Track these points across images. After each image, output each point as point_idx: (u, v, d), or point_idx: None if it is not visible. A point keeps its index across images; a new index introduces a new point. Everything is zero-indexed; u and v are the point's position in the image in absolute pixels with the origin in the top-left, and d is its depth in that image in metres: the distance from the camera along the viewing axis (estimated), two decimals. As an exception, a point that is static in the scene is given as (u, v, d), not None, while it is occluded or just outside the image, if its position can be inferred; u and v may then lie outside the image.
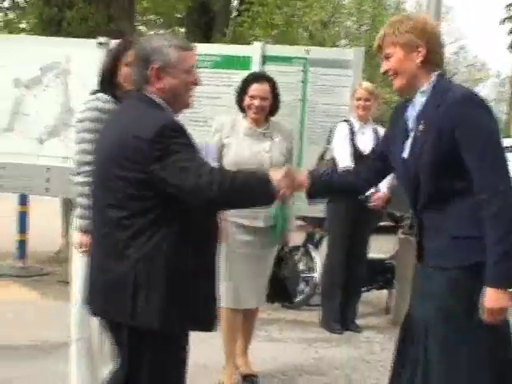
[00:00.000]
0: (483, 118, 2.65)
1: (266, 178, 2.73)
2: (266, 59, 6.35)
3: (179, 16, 13.52)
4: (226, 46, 7.38)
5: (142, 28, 14.84)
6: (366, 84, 6.14)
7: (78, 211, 3.72)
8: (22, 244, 7.63)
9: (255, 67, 6.32)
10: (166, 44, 2.75)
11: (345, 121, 5.95)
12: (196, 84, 2.88)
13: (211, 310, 2.83)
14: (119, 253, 2.68)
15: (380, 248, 6.95)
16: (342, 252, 5.96)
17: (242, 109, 4.62)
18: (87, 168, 3.55)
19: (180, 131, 2.68)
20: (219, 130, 4.61)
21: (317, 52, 6.47)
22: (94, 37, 6.83)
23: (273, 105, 4.59)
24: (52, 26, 8.23)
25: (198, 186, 2.58)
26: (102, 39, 6.54)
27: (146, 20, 14.02)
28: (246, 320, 4.78)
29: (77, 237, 3.74)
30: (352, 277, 6.02)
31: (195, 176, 2.59)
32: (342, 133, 5.85)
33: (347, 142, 5.84)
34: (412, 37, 2.79)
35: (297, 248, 6.58)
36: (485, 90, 40.93)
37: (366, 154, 5.93)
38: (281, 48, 7.08)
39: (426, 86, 2.80)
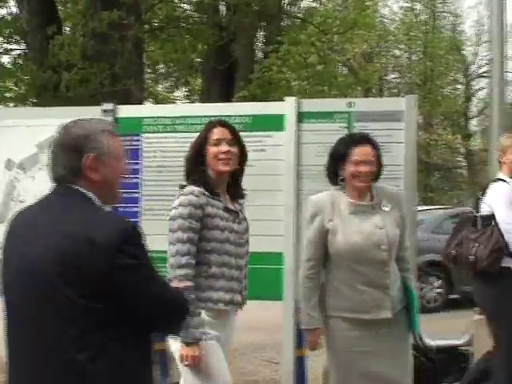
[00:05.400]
0: None
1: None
2: (302, 116, 6.42)
3: (196, 63, 13.70)
4: (255, 105, 7.44)
5: (153, 84, 15.09)
6: None
7: None
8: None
9: (290, 127, 6.38)
10: (98, 129, 2.89)
11: (500, 180, 5.89)
12: (125, 174, 3.03)
13: None
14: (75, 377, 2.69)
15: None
16: None
17: (335, 181, 4.71)
18: (182, 272, 4.03)
19: (141, 236, 2.79)
20: (317, 213, 4.66)
21: (362, 104, 6.50)
22: (97, 101, 6.95)
23: (378, 170, 4.69)
24: (47, 91, 8.42)
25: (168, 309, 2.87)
26: (107, 105, 6.66)
27: (156, 73, 14.25)
28: None
29: (179, 349, 4.07)
30: None
31: (160, 296, 2.82)
32: (505, 193, 5.74)
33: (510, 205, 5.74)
34: None
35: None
36: None
37: None
38: (319, 102, 7.12)
39: None
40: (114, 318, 2.69)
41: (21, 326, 2.82)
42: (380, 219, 4.55)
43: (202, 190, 4.15)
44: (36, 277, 2.73)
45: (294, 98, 6.58)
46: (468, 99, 38.57)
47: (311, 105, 6.58)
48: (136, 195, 6.52)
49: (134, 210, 6.51)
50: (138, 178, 6.50)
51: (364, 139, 4.72)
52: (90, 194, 2.85)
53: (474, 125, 39.42)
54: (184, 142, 6.45)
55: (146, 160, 6.51)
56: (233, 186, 4.43)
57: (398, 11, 37.06)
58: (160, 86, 16.52)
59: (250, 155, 6.35)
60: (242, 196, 4.51)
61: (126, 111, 6.69)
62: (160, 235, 6.22)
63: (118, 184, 2.99)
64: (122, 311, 2.70)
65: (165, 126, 6.52)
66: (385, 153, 6.22)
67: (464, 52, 38.78)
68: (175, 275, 4.05)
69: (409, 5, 37.37)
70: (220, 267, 4.20)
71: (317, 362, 6.28)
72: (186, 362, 4.01)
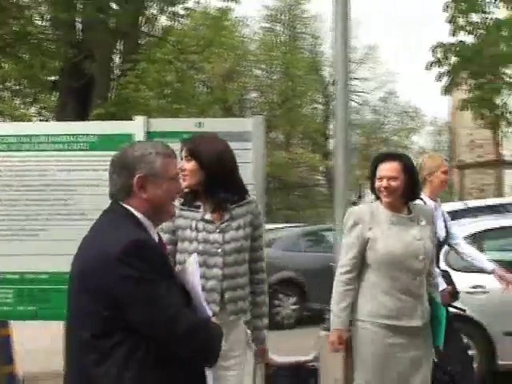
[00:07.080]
0: None
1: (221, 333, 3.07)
2: (150, 136, 6.39)
3: (47, 80, 13.52)
4: (102, 124, 7.39)
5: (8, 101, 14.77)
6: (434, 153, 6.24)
7: None
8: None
9: (138, 146, 6.38)
10: (150, 151, 3.05)
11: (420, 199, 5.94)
12: (179, 193, 3.25)
13: None
14: (86, 375, 2.89)
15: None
16: None
17: (376, 195, 4.91)
18: None
19: (153, 251, 2.92)
20: (357, 222, 4.84)
21: (211, 124, 6.56)
22: None
23: (409, 186, 4.83)
24: None
25: (162, 325, 2.86)
26: None
27: (9, 90, 13.95)
28: None
29: None
30: None
31: (162, 314, 2.86)
32: None
33: None
34: None
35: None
36: (420, 141, 42.18)
37: (440, 241, 5.95)
38: (168, 122, 7.16)
39: None
40: (122, 325, 2.83)
41: (67, 321, 3.09)
42: (418, 232, 4.82)
43: (177, 203, 4.24)
44: (71, 283, 3.01)
45: (143, 117, 6.56)
46: (327, 118, 39.50)
47: (160, 125, 6.60)
48: (-17, 214, 6.35)
49: (-18, 229, 6.35)
50: (-15, 197, 6.35)
51: (390, 156, 4.96)
52: (136, 212, 3.01)
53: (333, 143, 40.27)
54: (29, 160, 6.40)
55: (-9, 179, 6.36)
56: (210, 198, 4.46)
57: (258, 31, 37.61)
58: (14, 103, 16.15)
59: (97, 175, 6.39)
60: (221, 205, 4.44)
61: (-30, 130, 6.52)
62: (4, 256, 6.20)
63: (169, 203, 3.14)
64: (128, 321, 2.83)
65: (9, 145, 6.41)
66: (233, 173, 6.37)
67: (323, 72, 39.75)
68: None
69: (269, 25, 38.03)
70: None
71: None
72: None
